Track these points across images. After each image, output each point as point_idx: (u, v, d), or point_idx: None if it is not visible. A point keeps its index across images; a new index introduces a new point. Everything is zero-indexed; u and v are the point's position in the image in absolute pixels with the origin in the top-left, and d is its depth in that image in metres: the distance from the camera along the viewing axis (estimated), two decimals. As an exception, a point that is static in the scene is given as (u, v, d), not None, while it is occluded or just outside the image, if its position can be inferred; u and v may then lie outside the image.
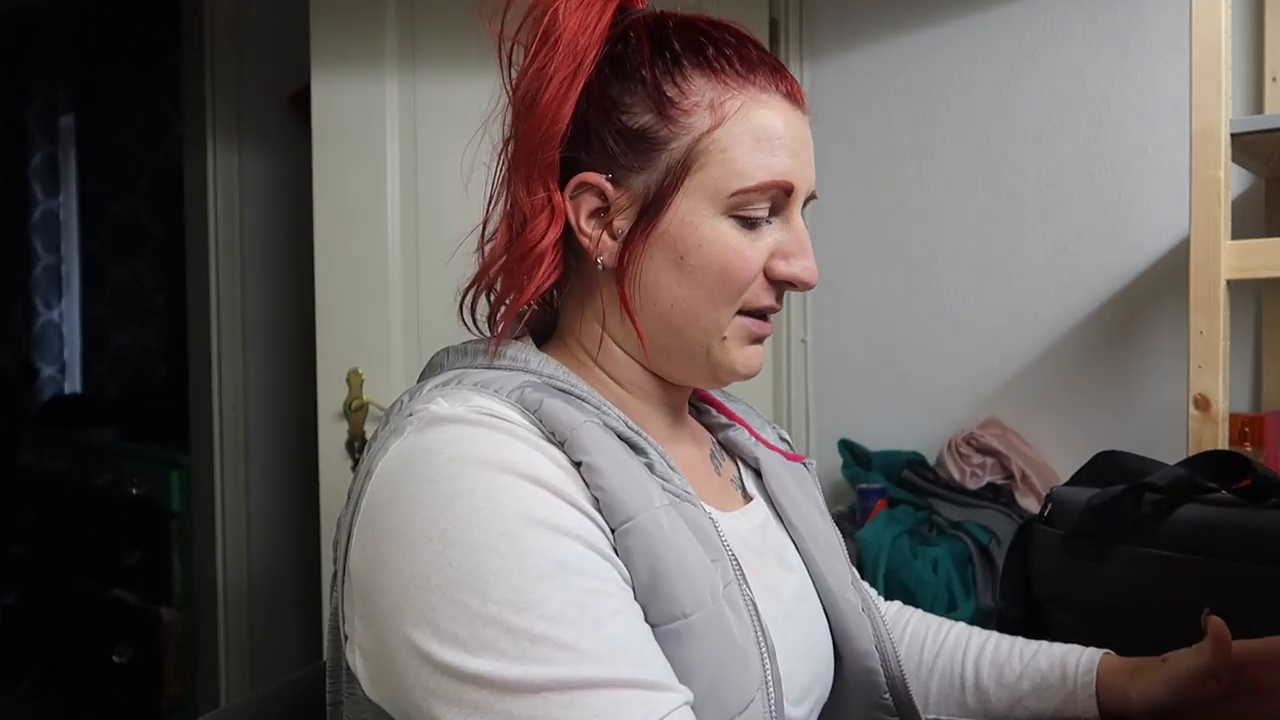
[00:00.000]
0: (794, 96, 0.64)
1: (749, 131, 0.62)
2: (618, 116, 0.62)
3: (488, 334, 0.67)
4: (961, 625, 0.86)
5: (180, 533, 2.42)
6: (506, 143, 0.66)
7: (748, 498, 0.75)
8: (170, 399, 2.76)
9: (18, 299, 3.76)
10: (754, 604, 0.62)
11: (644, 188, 0.62)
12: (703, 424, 0.80)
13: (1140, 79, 1.51)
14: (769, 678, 0.60)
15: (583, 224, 0.64)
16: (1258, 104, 1.38)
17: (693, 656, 0.54)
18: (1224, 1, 1.05)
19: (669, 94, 0.62)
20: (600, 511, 0.55)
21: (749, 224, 0.63)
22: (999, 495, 1.56)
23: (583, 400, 0.61)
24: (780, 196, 0.63)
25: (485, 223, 0.68)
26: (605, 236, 0.64)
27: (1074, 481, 0.90)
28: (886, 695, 0.71)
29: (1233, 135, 1.07)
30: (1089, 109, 1.56)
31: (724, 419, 0.80)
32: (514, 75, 0.65)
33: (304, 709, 0.82)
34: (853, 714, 0.71)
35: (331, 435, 1.78)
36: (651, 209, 0.62)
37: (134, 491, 2.55)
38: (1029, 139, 1.63)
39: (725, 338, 0.65)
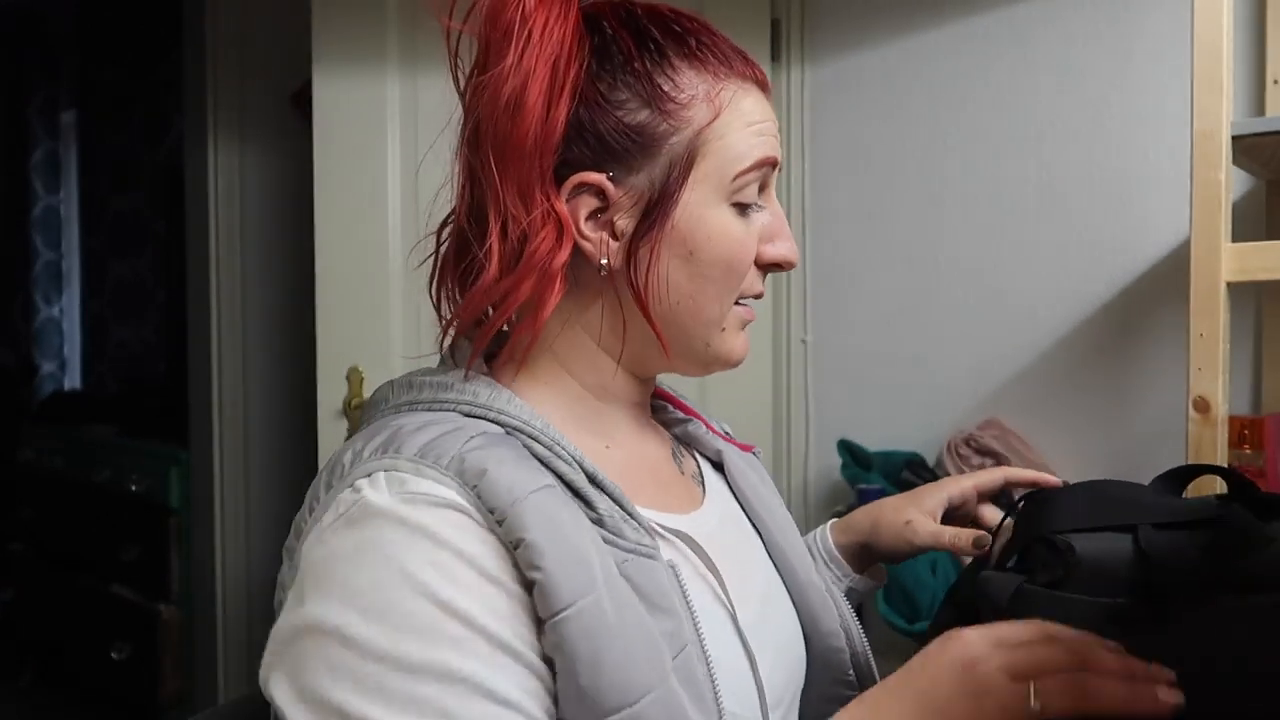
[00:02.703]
0: (764, 83, 0.66)
1: (740, 117, 0.62)
2: (613, 113, 0.60)
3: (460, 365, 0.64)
4: None
5: (179, 529, 2.42)
6: (481, 146, 0.59)
7: (705, 494, 0.74)
8: (170, 396, 2.77)
9: (18, 295, 3.76)
10: (737, 622, 0.62)
11: (647, 184, 0.61)
12: (659, 420, 0.79)
13: (1141, 81, 1.51)
14: (760, 697, 0.60)
15: (582, 228, 0.61)
16: (1259, 106, 1.38)
17: None
18: (1225, 4, 1.05)
19: (664, 88, 0.60)
20: (534, 600, 0.52)
21: (744, 210, 0.63)
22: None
23: (534, 440, 0.58)
24: (768, 174, 0.65)
25: (439, 238, 0.65)
26: (608, 238, 0.61)
27: (1056, 528, 0.66)
28: (850, 672, 0.72)
29: (1234, 138, 1.06)
30: (1090, 111, 1.56)
31: (680, 414, 0.79)
32: (463, 71, 0.62)
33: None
34: (818, 693, 0.72)
35: (331, 433, 1.78)
36: (660, 205, 0.61)
37: (133, 488, 2.55)
38: (1030, 140, 1.63)
39: (724, 329, 0.66)
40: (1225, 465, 0.74)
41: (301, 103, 1.96)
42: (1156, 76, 1.49)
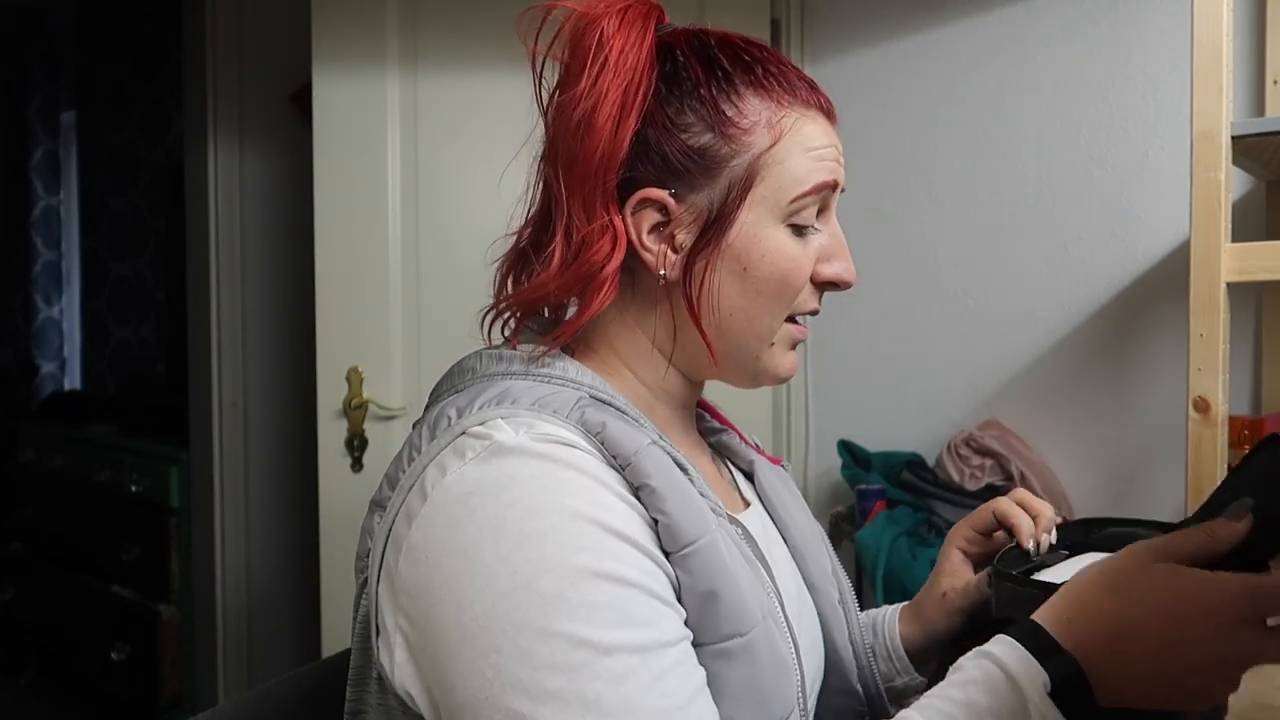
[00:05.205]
0: (830, 112, 0.68)
1: (800, 144, 0.65)
2: (678, 135, 0.64)
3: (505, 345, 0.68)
4: None
5: (179, 529, 2.42)
6: (553, 160, 0.65)
7: (745, 501, 0.77)
8: (170, 395, 2.76)
9: (18, 295, 3.76)
10: (784, 607, 0.65)
11: (707, 203, 0.64)
12: (698, 429, 0.82)
13: (1141, 81, 1.51)
14: (801, 678, 0.63)
15: (644, 239, 0.65)
16: (1259, 107, 1.38)
17: (748, 673, 0.57)
18: (1225, 4, 1.05)
19: (728, 113, 0.64)
20: (659, 536, 0.56)
21: (800, 231, 0.66)
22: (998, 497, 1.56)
23: (622, 412, 0.62)
24: (828, 197, 0.67)
25: (520, 238, 0.69)
26: (667, 250, 0.65)
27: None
28: (857, 685, 0.75)
29: (1233, 138, 1.06)
30: (1090, 111, 1.56)
31: (715, 424, 0.82)
32: (544, 90, 0.66)
33: (301, 707, 0.82)
34: (826, 703, 0.74)
35: (331, 433, 1.78)
36: (717, 223, 0.64)
37: (133, 488, 2.55)
38: (1030, 140, 1.63)
39: (773, 344, 0.68)
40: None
41: (301, 102, 1.96)
42: (1156, 77, 1.50)
